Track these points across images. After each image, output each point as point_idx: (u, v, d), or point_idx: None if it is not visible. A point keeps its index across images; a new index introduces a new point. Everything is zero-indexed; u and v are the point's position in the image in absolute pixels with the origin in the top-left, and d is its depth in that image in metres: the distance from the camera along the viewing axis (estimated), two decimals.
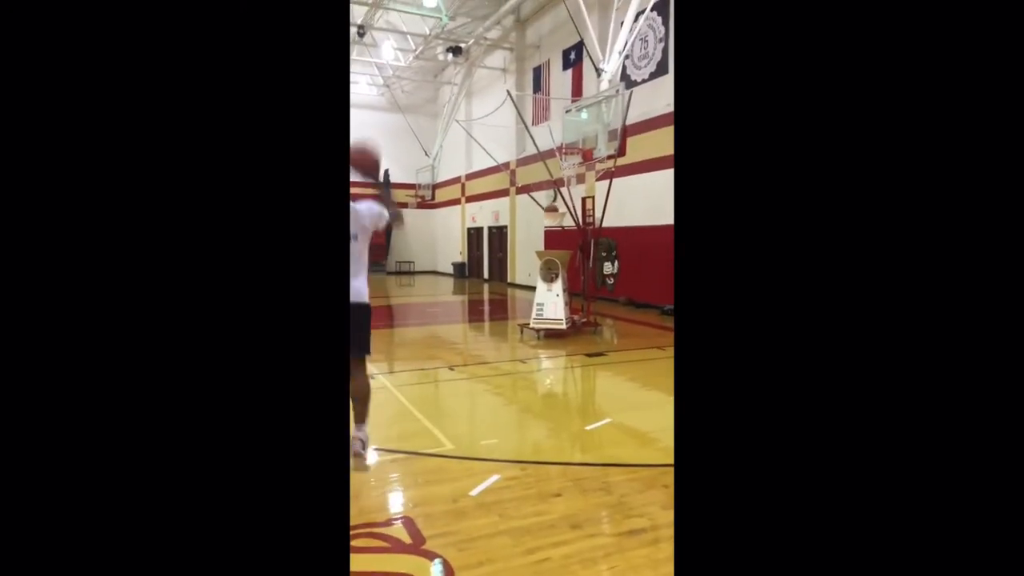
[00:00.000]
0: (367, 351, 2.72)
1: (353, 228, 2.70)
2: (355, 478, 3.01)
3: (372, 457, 2.78)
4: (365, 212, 2.80)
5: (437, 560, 2.20)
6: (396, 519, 2.55)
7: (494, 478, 2.96)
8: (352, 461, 2.61)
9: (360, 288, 2.69)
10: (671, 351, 6.43)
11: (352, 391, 2.66)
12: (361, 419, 2.69)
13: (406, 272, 21.09)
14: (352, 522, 2.51)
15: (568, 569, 2.15)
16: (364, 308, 2.69)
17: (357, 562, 2.20)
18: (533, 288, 13.65)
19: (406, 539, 2.38)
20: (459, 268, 18.98)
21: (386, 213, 2.80)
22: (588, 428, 3.97)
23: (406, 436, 3.65)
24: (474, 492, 2.79)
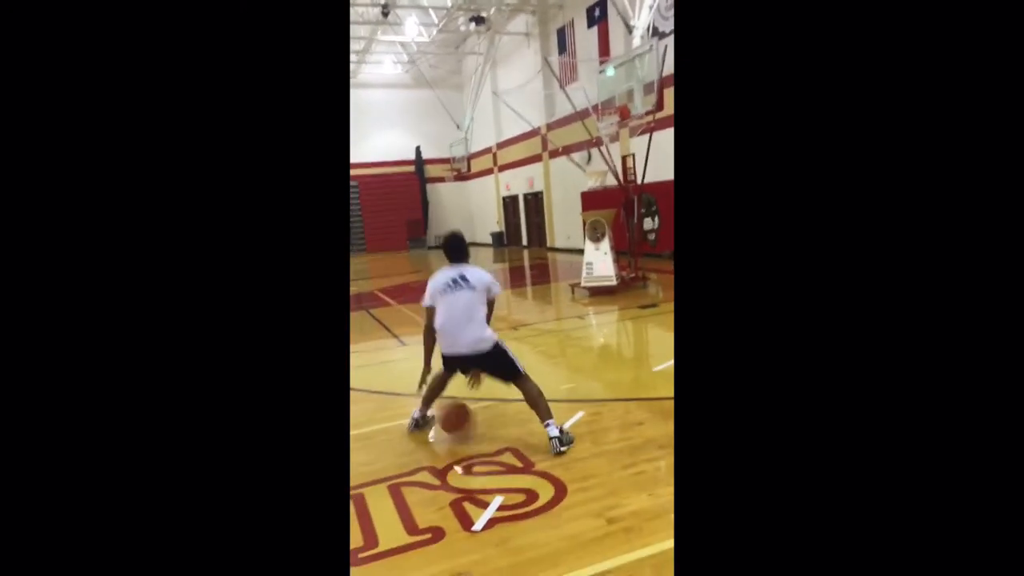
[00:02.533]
0: (515, 375, 3.04)
1: (472, 280, 3.05)
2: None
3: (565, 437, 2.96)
4: (480, 274, 3.11)
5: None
6: (504, 450, 2.94)
7: (579, 415, 3.32)
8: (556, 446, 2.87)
9: (481, 336, 3.00)
10: None
11: (528, 400, 3.02)
12: (547, 415, 2.95)
13: None
14: (464, 454, 2.92)
15: (661, 479, 2.50)
16: (490, 353, 3.02)
17: (480, 482, 2.61)
18: (573, 251, 13.89)
19: (517, 464, 2.77)
20: (497, 237, 19.29)
21: (496, 287, 3.13)
22: (655, 369, 4.29)
23: (492, 386, 4.04)
24: (565, 426, 3.15)
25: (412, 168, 21.01)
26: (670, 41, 10.01)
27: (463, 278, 3.05)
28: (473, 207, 21.56)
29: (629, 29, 8.04)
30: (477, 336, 2.99)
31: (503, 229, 19.28)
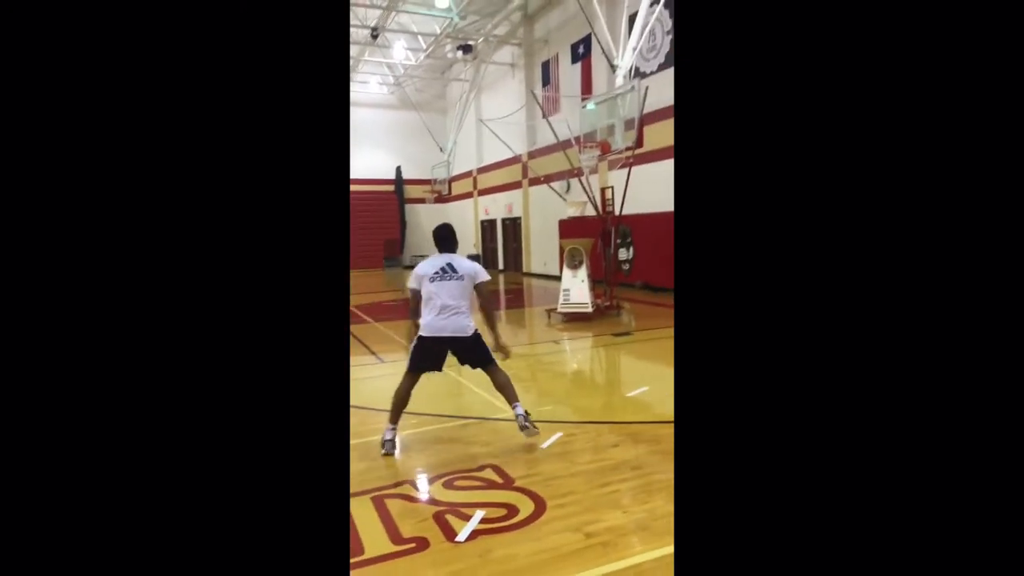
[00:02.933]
0: (488, 362, 3.32)
1: (459, 269, 3.27)
2: (436, 435, 3.51)
3: (530, 427, 3.27)
4: (466, 264, 3.34)
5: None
6: (485, 466, 3.04)
7: (557, 435, 3.44)
8: (526, 428, 3.22)
9: (467, 323, 3.26)
10: None
11: (496, 385, 3.34)
12: (514, 399, 3.29)
13: None
14: (445, 470, 3.00)
15: (636, 497, 2.63)
16: (473, 338, 3.28)
17: (462, 496, 2.69)
18: (548, 277, 14.09)
19: (498, 479, 2.87)
20: (474, 260, 19.40)
21: (483, 274, 3.38)
22: (629, 395, 4.44)
23: (472, 406, 4.14)
24: (544, 445, 3.27)
25: (392, 187, 21.13)
26: (651, 81, 10.48)
27: (451, 267, 3.25)
28: None
29: (613, 68, 8.41)
30: (462, 323, 3.21)
31: (480, 252, 19.45)
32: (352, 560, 2.19)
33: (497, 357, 3.37)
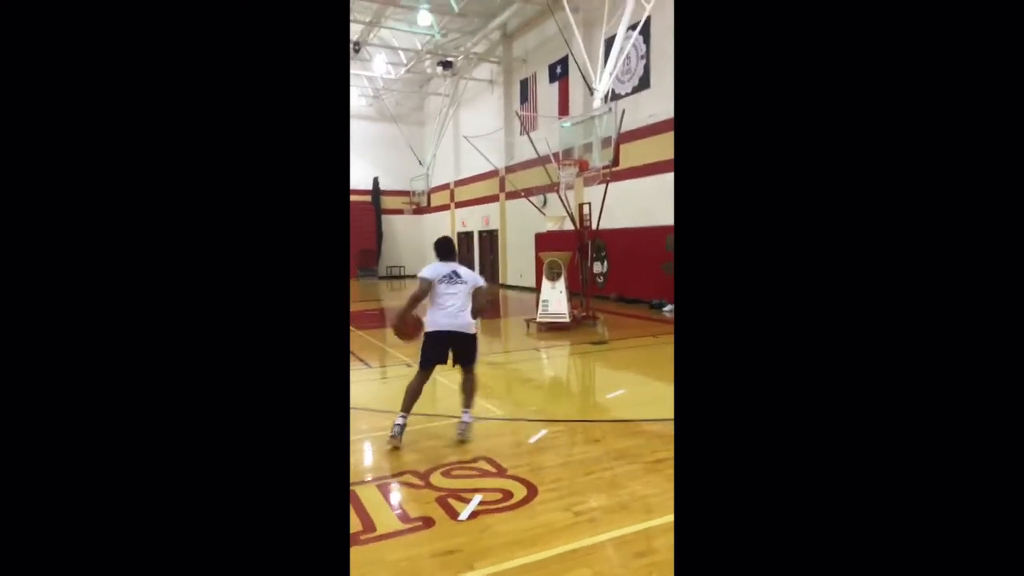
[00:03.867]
0: (473, 361, 3.72)
1: (464, 276, 3.68)
2: (429, 432, 3.75)
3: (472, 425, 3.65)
4: (469, 272, 3.75)
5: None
6: (479, 458, 3.29)
7: (543, 432, 3.72)
8: (464, 432, 3.60)
9: (470, 322, 3.67)
10: (664, 339, 7.27)
11: (465, 386, 3.72)
12: (470, 404, 3.69)
13: (396, 276, 21.68)
14: (442, 462, 3.24)
15: (617, 482, 2.93)
16: (473, 336, 3.69)
17: (460, 483, 2.94)
18: (525, 288, 14.39)
19: (492, 469, 3.13)
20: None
21: (481, 280, 3.80)
22: (609, 396, 4.76)
23: (458, 407, 4.39)
24: (532, 440, 3.54)
25: (369, 198, 21.24)
26: (626, 102, 10.97)
27: (456, 274, 3.65)
28: (427, 240, 21.88)
29: (591, 91, 8.84)
30: (467, 321, 3.63)
31: (437, 254, 19.64)
32: (365, 536, 2.42)
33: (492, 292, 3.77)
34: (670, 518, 2.51)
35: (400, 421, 3.53)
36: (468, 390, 3.69)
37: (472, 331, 3.66)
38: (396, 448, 3.44)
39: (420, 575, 2.15)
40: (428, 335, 3.61)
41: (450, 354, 3.62)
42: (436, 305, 3.61)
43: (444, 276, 3.63)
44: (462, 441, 3.51)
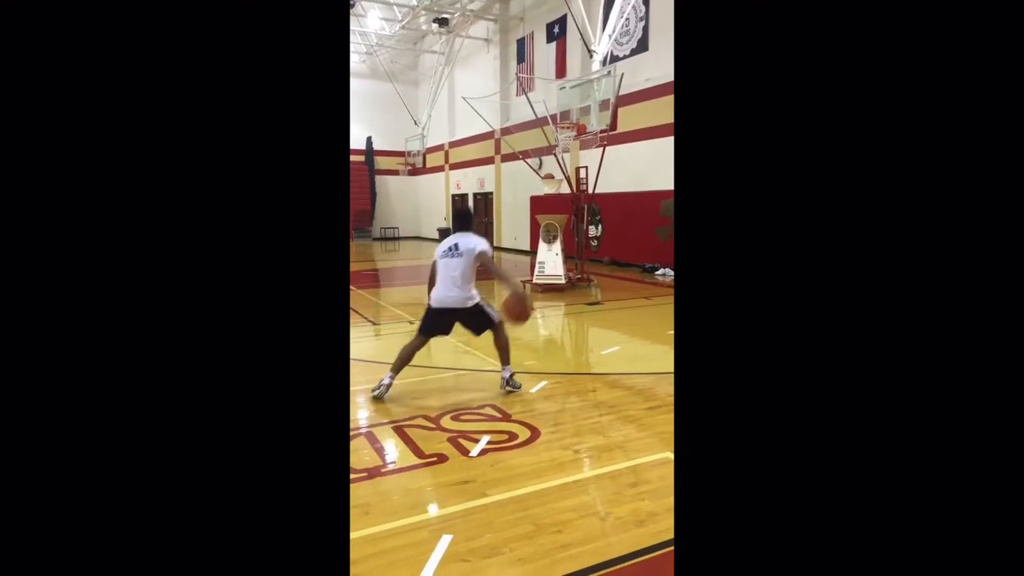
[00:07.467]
0: (487, 327, 3.76)
1: (462, 247, 3.66)
2: (438, 384, 4.02)
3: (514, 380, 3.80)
4: (469, 242, 3.71)
5: None
6: (485, 405, 3.56)
7: (543, 383, 3.99)
8: (506, 383, 3.76)
9: (467, 296, 3.68)
10: (656, 300, 7.54)
11: (497, 344, 3.79)
12: (506, 361, 3.79)
13: (391, 238, 21.75)
14: (451, 408, 3.51)
15: (613, 426, 3.21)
16: (472, 308, 3.70)
17: (469, 426, 3.21)
18: (519, 251, 14.55)
19: (497, 415, 3.40)
20: (444, 233, 19.71)
21: (484, 244, 3.72)
22: (604, 352, 5.03)
23: (464, 361, 4.65)
24: (533, 390, 3.81)
25: (362, 158, 21.09)
26: (623, 65, 10.96)
27: (456, 246, 3.69)
28: (421, 201, 21.89)
29: (590, 53, 8.85)
30: (463, 295, 3.67)
31: (450, 225, 19.73)
32: (384, 469, 2.69)
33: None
34: (658, 456, 2.80)
35: (387, 380, 3.67)
36: (500, 347, 3.76)
37: (469, 304, 3.66)
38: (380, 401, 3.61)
39: (440, 500, 2.42)
40: (427, 308, 3.73)
41: (455, 325, 3.71)
42: (438, 280, 3.68)
43: (444, 251, 3.68)
44: (510, 391, 3.69)
